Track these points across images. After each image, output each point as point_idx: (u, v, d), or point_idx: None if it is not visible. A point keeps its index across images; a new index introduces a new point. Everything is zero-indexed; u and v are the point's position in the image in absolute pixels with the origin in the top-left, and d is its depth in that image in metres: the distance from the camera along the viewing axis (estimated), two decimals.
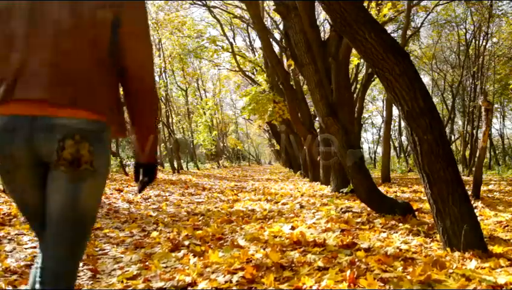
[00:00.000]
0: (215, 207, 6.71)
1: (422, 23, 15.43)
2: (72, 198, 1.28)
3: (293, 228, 4.15)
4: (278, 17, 18.41)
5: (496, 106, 25.95)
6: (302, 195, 7.80)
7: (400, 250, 3.07)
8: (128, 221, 5.27)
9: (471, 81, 20.88)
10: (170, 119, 21.01)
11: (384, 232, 3.79)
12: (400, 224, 4.24)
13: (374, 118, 34.77)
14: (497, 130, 28.30)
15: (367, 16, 3.43)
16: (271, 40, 12.66)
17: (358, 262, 2.78)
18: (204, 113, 24.62)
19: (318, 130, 14.56)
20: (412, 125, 3.21)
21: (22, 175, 1.30)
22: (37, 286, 1.28)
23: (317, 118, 18.00)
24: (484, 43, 18.75)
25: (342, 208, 5.36)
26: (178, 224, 5.01)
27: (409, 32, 13.30)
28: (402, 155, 27.25)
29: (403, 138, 30.86)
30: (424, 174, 3.16)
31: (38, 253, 1.38)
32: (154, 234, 4.28)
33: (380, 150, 32.89)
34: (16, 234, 4.18)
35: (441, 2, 14.91)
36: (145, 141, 1.46)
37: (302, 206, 6.18)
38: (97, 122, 1.31)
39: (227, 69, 23.30)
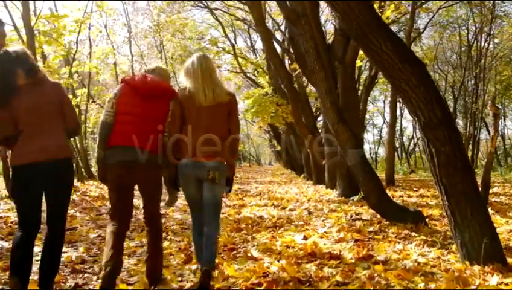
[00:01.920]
0: (222, 213, 6.67)
1: (426, 25, 15.39)
2: (214, 193, 2.84)
3: (305, 238, 4.12)
4: (279, 19, 18.40)
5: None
6: (308, 200, 7.77)
7: (418, 263, 3.05)
8: (137, 229, 5.23)
9: (472, 82, 20.89)
10: None
11: (399, 243, 3.76)
12: (413, 233, 4.22)
13: (374, 118, 34.70)
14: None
15: (383, 25, 3.40)
16: (273, 41, 12.63)
17: (377, 277, 2.75)
18: None
19: (320, 130, 14.56)
20: (428, 136, 3.18)
21: (192, 184, 2.88)
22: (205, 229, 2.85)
23: (318, 119, 18.04)
24: (486, 45, 18.70)
25: (351, 215, 5.33)
26: (187, 232, 4.96)
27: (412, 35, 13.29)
28: (404, 156, 27.25)
29: (404, 138, 30.92)
30: (442, 187, 3.13)
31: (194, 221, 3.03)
32: (165, 243, 4.24)
33: (381, 150, 32.91)
34: None
35: (444, 4, 14.87)
36: (232, 164, 3.00)
37: (310, 213, 6.14)
38: (222, 162, 2.87)
39: (229, 70, 23.25)
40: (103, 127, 2.82)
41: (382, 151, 33.08)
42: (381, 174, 13.19)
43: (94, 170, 13.82)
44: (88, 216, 6.19)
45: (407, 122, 31.07)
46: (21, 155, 2.55)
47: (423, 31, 15.78)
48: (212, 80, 2.88)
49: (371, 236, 4.12)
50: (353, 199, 6.68)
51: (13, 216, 5.67)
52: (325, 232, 4.43)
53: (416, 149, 30.26)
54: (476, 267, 2.85)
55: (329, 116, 5.05)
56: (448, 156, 3.09)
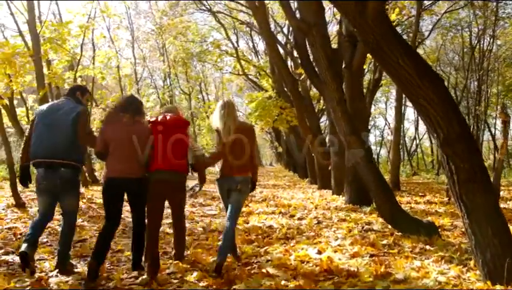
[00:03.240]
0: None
1: (431, 31, 15.38)
2: (239, 200, 3.83)
3: (319, 252, 4.08)
4: (282, 21, 18.36)
5: (498, 107, 25.97)
6: (316, 207, 7.73)
7: (439, 283, 3.00)
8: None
9: (475, 84, 20.87)
10: None
11: (415, 258, 3.72)
12: (428, 246, 4.18)
13: (376, 120, 34.62)
14: (500, 131, 28.26)
15: (400, 38, 3.36)
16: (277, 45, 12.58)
17: None
18: (208, 117, 24.52)
19: (324, 130, 14.34)
20: (448, 152, 3.13)
21: (225, 192, 3.89)
22: (227, 222, 3.81)
23: (321, 120, 17.93)
24: (490, 48, 18.66)
25: (363, 226, 5.29)
26: (199, 245, 4.91)
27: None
28: (406, 157, 27.20)
29: (406, 139, 30.83)
30: (462, 204, 3.09)
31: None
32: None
33: (382, 152, 32.85)
34: (37, 260, 4.08)
35: (448, 6, 14.83)
36: (254, 176, 3.98)
37: (319, 222, 6.10)
38: (247, 176, 3.88)
39: (231, 72, 23.22)
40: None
41: (384, 152, 33.04)
42: (384, 176, 13.12)
43: (98, 174, 13.77)
44: (96, 226, 6.14)
45: (408, 124, 31.09)
46: (108, 171, 3.64)
47: (428, 35, 15.74)
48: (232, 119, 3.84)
49: (385, 250, 4.07)
50: (365, 211, 6.57)
51: (21, 227, 5.62)
52: (339, 245, 4.39)
53: (418, 150, 30.25)
54: (499, 288, 2.81)
55: (341, 126, 5.01)
56: (468, 172, 3.05)
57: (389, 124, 31.19)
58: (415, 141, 29.52)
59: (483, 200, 3.01)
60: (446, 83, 23.57)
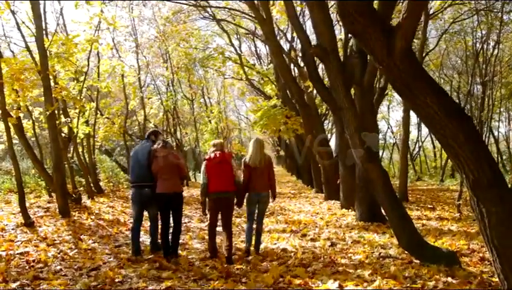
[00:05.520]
0: (242, 241, 6.57)
1: (438, 41, 15.41)
2: (264, 209, 5.80)
3: (340, 286, 4.02)
4: (283, 26, 18.28)
5: (501, 109, 25.93)
6: (326, 224, 7.67)
7: None
8: (162, 265, 5.10)
9: (478, 88, 20.81)
10: (178, 132, 20.88)
11: None
12: (449, 278, 4.13)
13: (378, 123, 34.50)
14: (503, 134, 28.25)
15: (428, 78, 3.31)
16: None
17: None
18: (210, 122, 24.44)
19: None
20: (478, 195, 3.08)
21: (254, 204, 5.64)
22: (256, 224, 5.78)
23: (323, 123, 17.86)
24: (495, 52, 18.63)
25: (379, 252, 5.24)
26: (214, 272, 4.82)
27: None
28: (409, 163, 27.14)
29: (409, 142, 30.74)
30: (493, 248, 3.04)
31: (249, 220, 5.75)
32: None
33: (384, 155, 32.76)
34: None
35: (458, 17, 14.85)
36: (274, 192, 5.76)
37: (333, 244, 6.05)
38: (269, 192, 5.67)
39: (233, 77, 23.16)
40: (202, 185, 5.45)
41: (385, 155, 32.93)
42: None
43: (103, 184, 13.69)
44: (107, 248, 6.06)
45: (410, 127, 30.96)
46: (160, 188, 5.47)
47: (435, 46, 15.74)
48: (261, 152, 5.57)
49: (408, 284, 4.02)
50: (383, 239, 6.43)
51: (33, 251, 5.55)
52: (358, 276, 4.34)
53: (421, 153, 30.16)
54: None
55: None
56: (499, 216, 3.00)
57: (391, 127, 31.16)
58: (417, 144, 29.43)
59: None
60: (449, 87, 23.61)
